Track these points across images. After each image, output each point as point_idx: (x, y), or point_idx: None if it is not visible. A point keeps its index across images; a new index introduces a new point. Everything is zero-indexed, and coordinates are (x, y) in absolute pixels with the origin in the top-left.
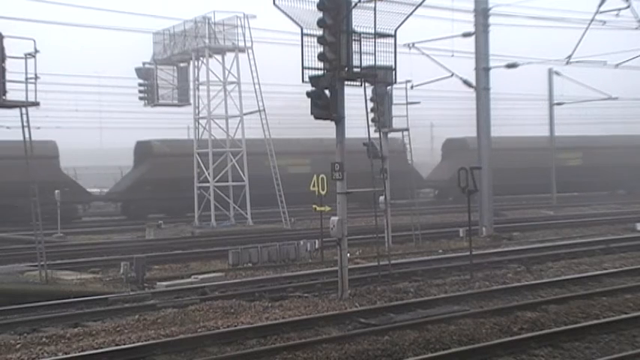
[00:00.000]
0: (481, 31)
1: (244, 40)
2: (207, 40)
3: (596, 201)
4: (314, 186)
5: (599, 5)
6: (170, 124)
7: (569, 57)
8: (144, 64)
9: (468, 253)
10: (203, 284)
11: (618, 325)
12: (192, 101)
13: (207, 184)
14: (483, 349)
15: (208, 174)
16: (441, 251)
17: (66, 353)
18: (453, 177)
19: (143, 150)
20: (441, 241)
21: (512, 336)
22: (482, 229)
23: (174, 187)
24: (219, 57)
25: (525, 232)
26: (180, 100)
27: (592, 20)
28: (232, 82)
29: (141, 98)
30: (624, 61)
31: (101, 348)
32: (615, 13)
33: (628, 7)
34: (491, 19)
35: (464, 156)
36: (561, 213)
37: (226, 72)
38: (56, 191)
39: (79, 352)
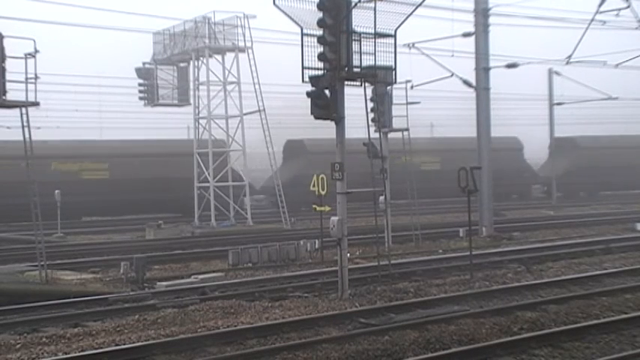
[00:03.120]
0: (481, 31)
1: (244, 40)
2: (207, 40)
3: (596, 201)
4: (314, 186)
5: (599, 5)
6: (170, 124)
7: (569, 57)
8: (144, 64)
9: (468, 253)
10: (203, 284)
11: (618, 325)
12: (192, 101)
13: (207, 184)
14: (483, 349)
15: (208, 174)
16: (441, 251)
17: (66, 353)
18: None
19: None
20: (441, 241)
21: (512, 336)
22: (483, 229)
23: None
24: (219, 57)
25: (525, 232)
26: (180, 100)
27: (592, 20)
28: (232, 82)
29: (141, 98)
30: (624, 61)
31: (101, 348)
32: (615, 13)
33: (628, 7)
34: (491, 19)
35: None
36: (561, 213)
37: (226, 72)
38: (56, 191)
39: (79, 352)
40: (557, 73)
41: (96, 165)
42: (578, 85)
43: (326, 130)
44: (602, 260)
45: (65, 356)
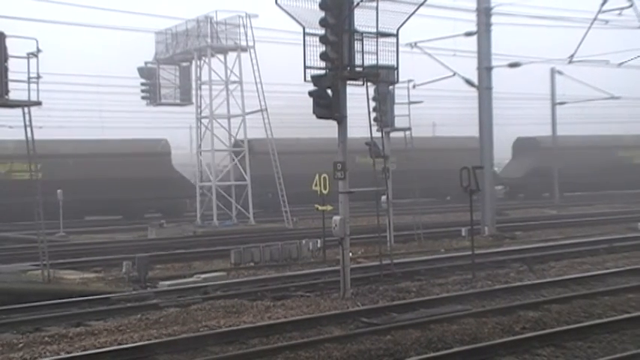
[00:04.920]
0: (483, 31)
1: (246, 40)
2: (209, 40)
3: (600, 200)
4: (316, 185)
5: (602, 4)
6: (172, 124)
7: (572, 56)
8: (146, 63)
9: (471, 253)
10: (205, 283)
11: (621, 324)
12: (194, 101)
13: (209, 184)
14: (486, 348)
15: (210, 173)
16: (443, 250)
17: (68, 352)
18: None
19: None
20: (443, 240)
21: (514, 335)
22: (485, 229)
23: None
24: (221, 56)
25: (528, 231)
26: (183, 99)
27: (594, 19)
28: (234, 82)
29: (143, 97)
30: (627, 60)
31: (103, 347)
32: (618, 12)
33: (631, 6)
34: (493, 19)
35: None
36: (564, 212)
37: (228, 71)
38: (58, 190)
39: (82, 351)
40: (560, 73)
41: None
42: (581, 84)
43: (327, 129)
44: (604, 260)
45: (67, 355)
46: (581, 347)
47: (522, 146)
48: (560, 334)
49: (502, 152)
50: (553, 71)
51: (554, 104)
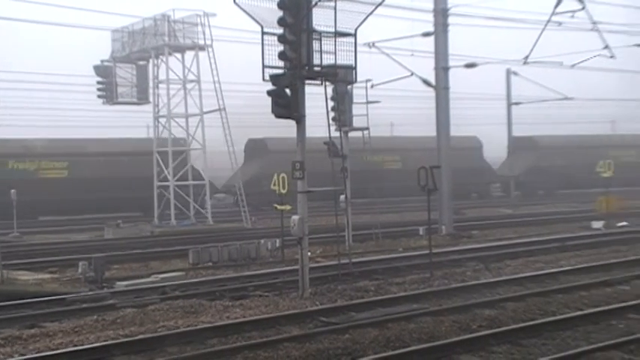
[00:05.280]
0: (440, 31)
1: (204, 39)
2: (166, 38)
3: (554, 200)
4: (275, 185)
5: (555, 6)
6: (129, 123)
7: (527, 57)
8: (102, 61)
9: (428, 252)
10: (163, 284)
11: (574, 321)
12: (151, 100)
13: (167, 183)
14: (443, 346)
15: (168, 173)
16: (401, 250)
17: (22, 355)
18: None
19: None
20: (401, 239)
21: (471, 333)
22: (442, 228)
23: None
24: (178, 55)
25: (484, 230)
26: (140, 98)
27: (548, 21)
28: (192, 81)
29: (99, 96)
30: (579, 62)
31: (58, 349)
32: (570, 14)
33: (583, 8)
34: (450, 19)
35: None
36: (519, 212)
37: (186, 70)
38: (12, 190)
39: (36, 353)
40: (515, 73)
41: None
42: (536, 85)
43: (287, 129)
44: (558, 258)
45: (21, 358)
46: (535, 344)
47: (519, 145)
48: (515, 332)
49: (496, 152)
50: (508, 72)
51: (509, 104)
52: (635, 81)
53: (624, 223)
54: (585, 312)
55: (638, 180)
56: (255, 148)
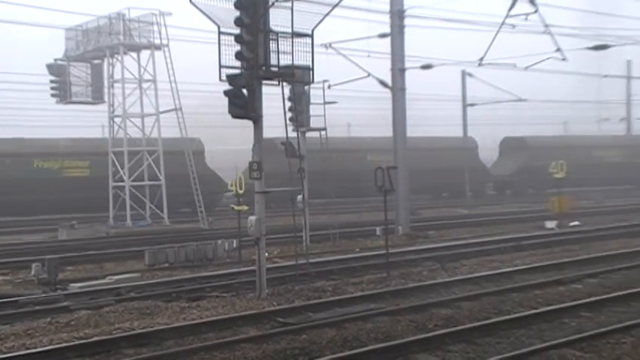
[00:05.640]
0: (397, 32)
1: (160, 38)
2: (121, 37)
3: (510, 200)
4: (232, 185)
5: (509, 9)
6: (84, 123)
7: (481, 59)
8: (56, 60)
9: (385, 252)
10: (118, 285)
11: (528, 320)
12: (106, 99)
13: (122, 184)
14: (399, 346)
15: (124, 173)
16: (358, 250)
17: None
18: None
19: None
20: (358, 239)
21: (427, 333)
22: (399, 228)
23: None
24: (134, 54)
25: (440, 230)
26: (95, 97)
27: (502, 24)
28: (148, 80)
29: (53, 95)
30: (533, 64)
31: (11, 352)
32: (524, 17)
33: (536, 11)
34: (406, 21)
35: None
36: (475, 212)
37: (142, 70)
38: None
39: None
40: (470, 75)
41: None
42: (490, 86)
43: (245, 129)
44: (513, 257)
45: None
46: (490, 343)
47: (510, 145)
48: (470, 331)
49: (488, 151)
50: (464, 73)
51: (464, 105)
52: (586, 83)
53: (576, 223)
54: (539, 310)
55: (627, 179)
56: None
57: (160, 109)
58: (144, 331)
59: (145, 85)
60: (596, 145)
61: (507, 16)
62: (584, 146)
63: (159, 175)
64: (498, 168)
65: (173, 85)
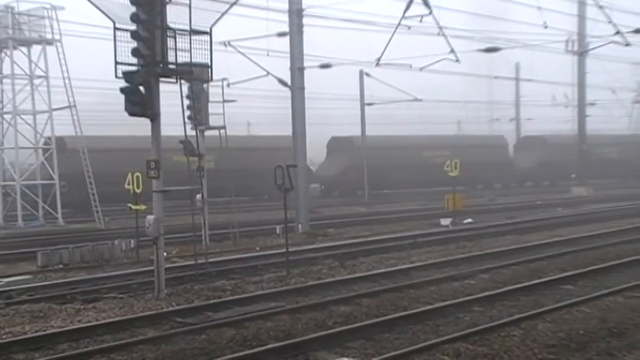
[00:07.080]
0: (295, 32)
1: (52, 32)
2: (10, 31)
3: (406, 198)
4: (129, 184)
5: (405, 11)
6: None
7: (379, 59)
8: None
9: (285, 250)
10: (8, 288)
11: (424, 315)
12: None
13: (12, 183)
14: (300, 343)
15: (14, 172)
16: (258, 248)
17: None
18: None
19: None
20: (258, 238)
21: (327, 330)
22: (299, 226)
23: None
24: (24, 49)
25: (339, 228)
26: None
27: (398, 25)
28: (40, 76)
29: None
30: (428, 65)
31: None
32: (419, 19)
33: (430, 13)
34: (305, 20)
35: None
36: (372, 210)
37: (33, 65)
38: None
39: None
40: (368, 75)
41: None
42: (387, 86)
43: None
44: (410, 254)
45: None
46: (388, 339)
47: (337, 145)
48: (369, 327)
49: (315, 151)
50: (362, 73)
51: (362, 105)
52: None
53: (469, 220)
54: (435, 306)
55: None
56: None
57: (54, 106)
58: (36, 334)
59: (36, 82)
60: (426, 145)
61: (403, 17)
62: (414, 146)
63: (52, 174)
64: (324, 169)
65: (66, 81)
